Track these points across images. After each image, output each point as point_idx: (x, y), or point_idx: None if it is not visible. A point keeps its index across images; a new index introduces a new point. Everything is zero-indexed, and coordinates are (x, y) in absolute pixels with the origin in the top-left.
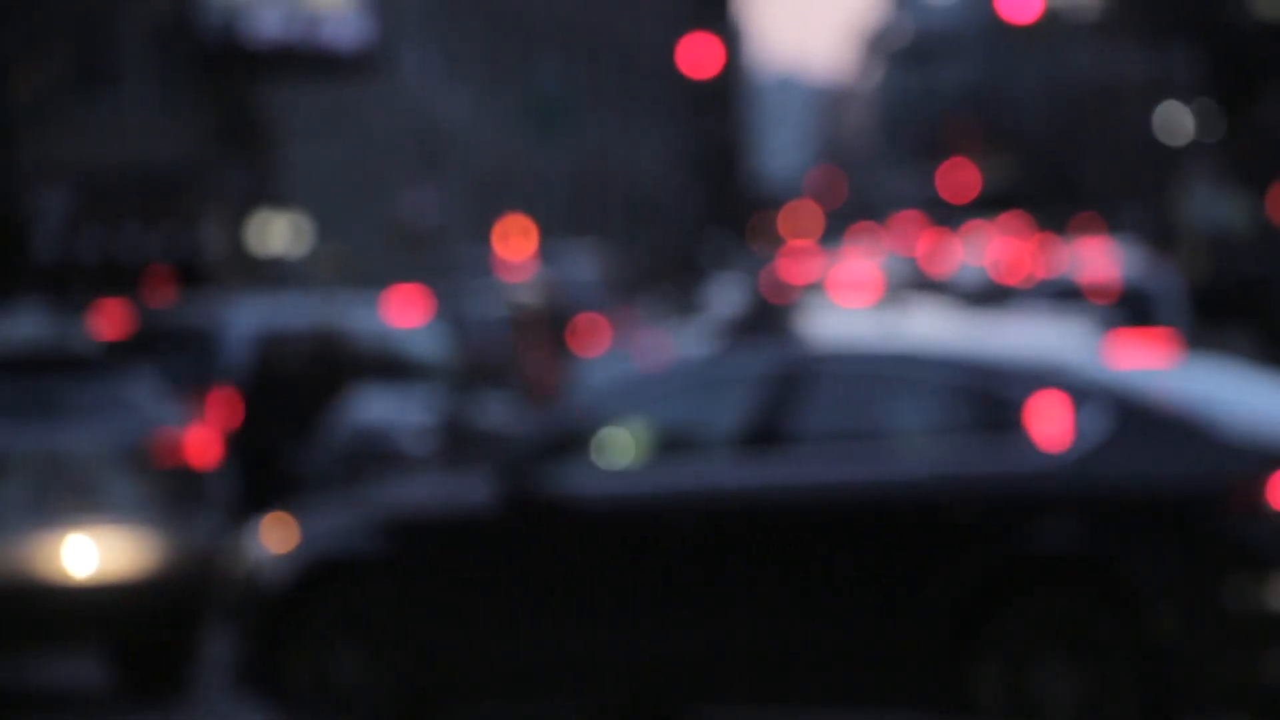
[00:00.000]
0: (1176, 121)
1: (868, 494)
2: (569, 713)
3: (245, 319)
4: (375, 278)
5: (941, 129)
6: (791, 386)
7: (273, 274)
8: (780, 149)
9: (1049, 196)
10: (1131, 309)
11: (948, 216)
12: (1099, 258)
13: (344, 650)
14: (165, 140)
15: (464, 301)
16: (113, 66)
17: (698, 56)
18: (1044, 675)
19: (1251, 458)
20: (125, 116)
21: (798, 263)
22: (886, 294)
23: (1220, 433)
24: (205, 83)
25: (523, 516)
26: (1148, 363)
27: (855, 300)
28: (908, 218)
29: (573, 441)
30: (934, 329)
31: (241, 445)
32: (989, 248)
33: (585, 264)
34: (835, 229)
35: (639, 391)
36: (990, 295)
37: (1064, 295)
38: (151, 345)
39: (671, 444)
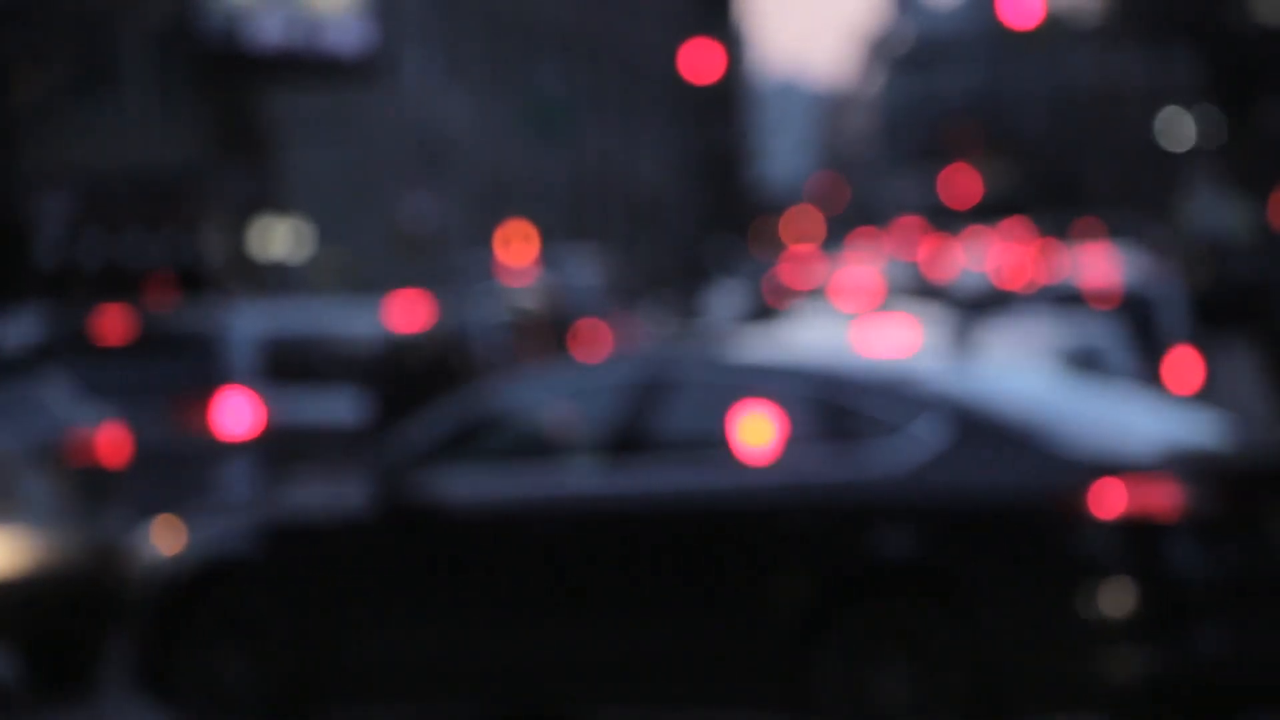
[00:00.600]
0: (1178, 127)
1: (718, 501)
2: (447, 714)
3: (247, 324)
4: (376, 283)
5: (943, 134)
6: (653, 395)
7: (274, 279)
8: (782, 154)
9: (1050, 202)
10: (1132, 314)
11: (949, 222)
12: (1100, 263)
13: (228, 652)
14: (166, 145)
15: (465, 307)
16: (114, 71)
17: (699, 61)
18: (883, 679)
19: (1077, 468)
20: (127, 121)
21: (799, 268)
22: (887, 299)
23: (1051, 443)
24: (207, 88)
25: (398, 521)
26: (994, 372)
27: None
28: (909, 223)
29: (449, 446)
30: (805, 340)
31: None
32: (990, 253)
33: (586, 269)
34: (837, 234)
35: (513, 398)
36: (991, 301)
37: (1065, 301)
38: (153, 350)
39: (542, 450)
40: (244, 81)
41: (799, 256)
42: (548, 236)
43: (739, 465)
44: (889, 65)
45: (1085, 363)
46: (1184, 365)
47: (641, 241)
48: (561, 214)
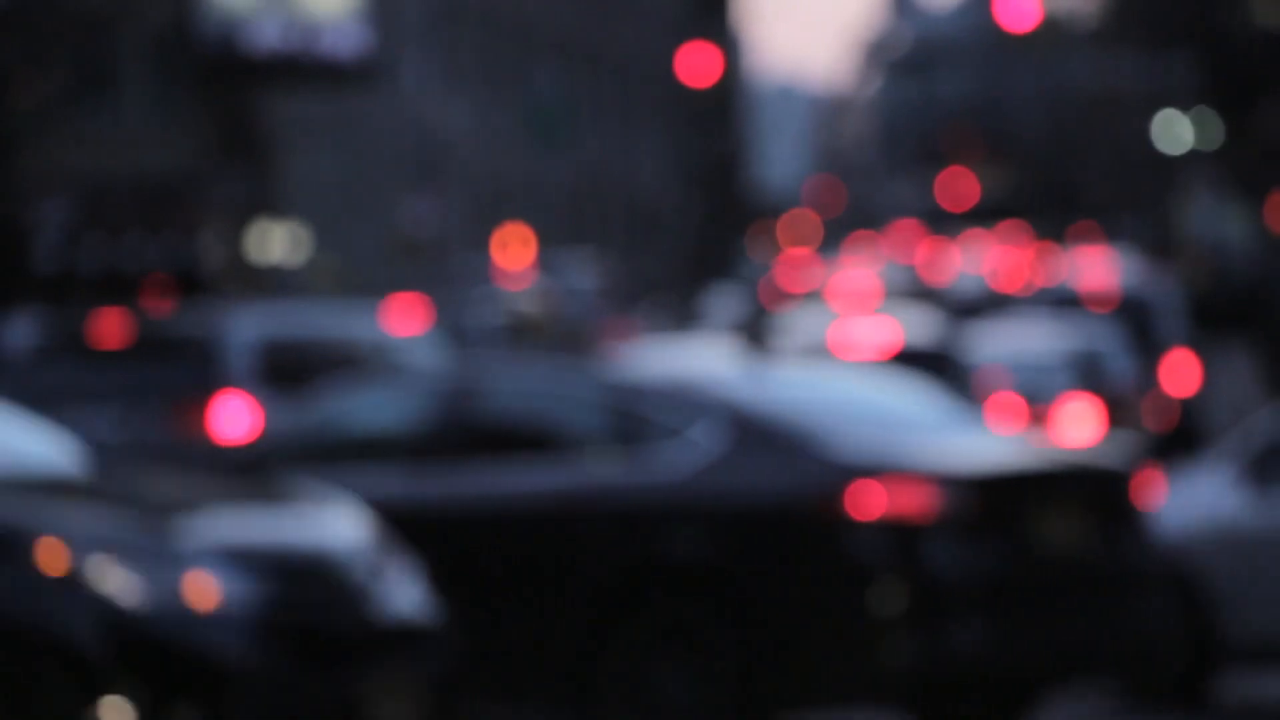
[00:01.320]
0: (1175, 130)
1: (512, 504)
2: None
3: (244, 328)
4: (374, 287)
5: (940, 138)
6: (460, 403)
7: (272, 283)
8: (779, 158)
9: (1048, 205)
10: (1130, 318)
11: (946, 225)
12: (1098, 267)
13: None
14: (165, 150)
15: (463, 311)
16: (112, 76)
17: (697, 65)
18: (666, 676)
19: (840, 471)
20: (125, 126)
21: (796, 271)
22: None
23: (819, 447)
24: (205, 92)
25: None
26: (776, 378)
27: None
28: (906, 226)
29: (291, 450)
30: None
31: None
32: (987, 256)
33: (584, 273)
34: (834, 238)
35: (340, 405)
36: (988, 304)
37: (1062, 304)
38: (150, 354)
39: (360, 454)
40: (242, 86)
41: (796, 260)
42: (545, 241)
43: (530, 469)
44: (886, 69)
45: (1084, 365)
46: (1181, 368)
47: (639, 245)
48: (559, 218)
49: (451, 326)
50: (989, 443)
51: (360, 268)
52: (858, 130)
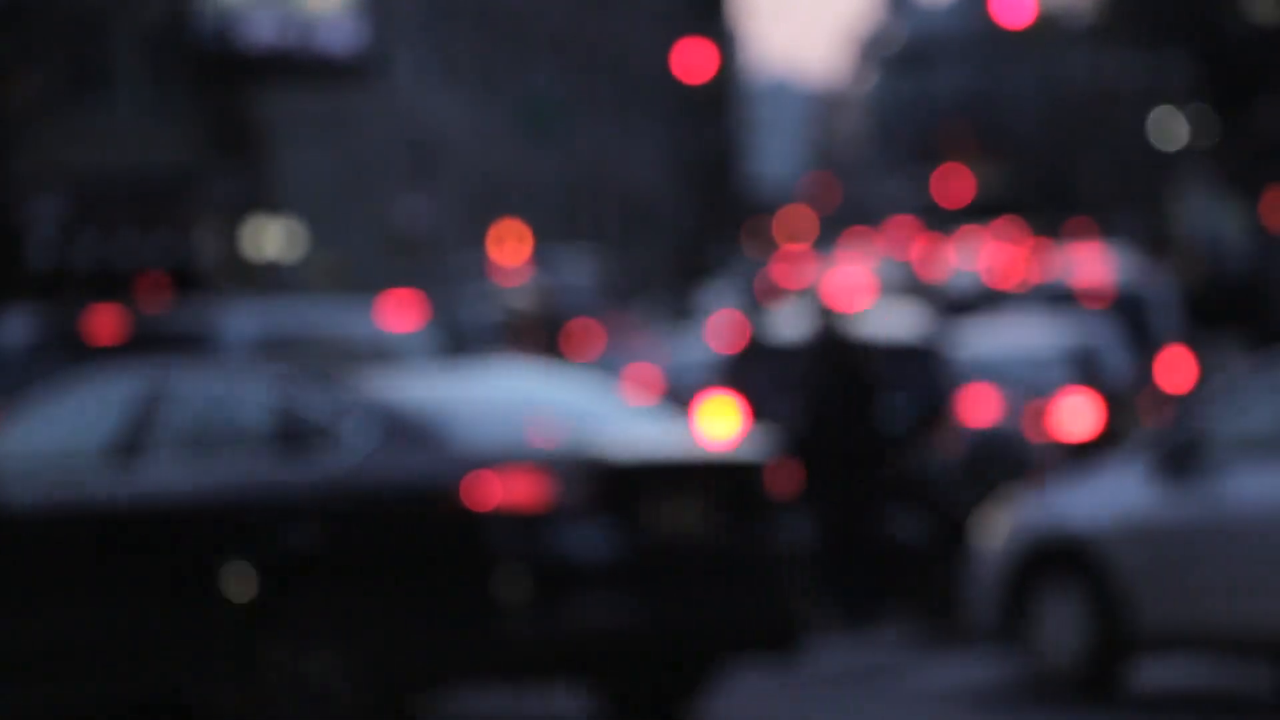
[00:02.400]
0: (1171, 127)
1: (182, 500)
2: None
3: (239, 324)
4: (369, 283)
5: (936, 134)
6: (148, 405)
7: (267, 280)
8: (774, 154)
9: (1043, 201)
10: (1125, 314)
11: (942, 221)
12: (1093, 263)
13: None
14: (160, 146)
15: (458, 307)
16: (107, 73)
17: (692, 61)
18: (316, 660)
19: (464, 463)
20: (120, 123)
21: (791, 267)
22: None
23: (452, 441)
24: (199, 89)
25: None
26: (441, 377)
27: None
28: (902, 223)
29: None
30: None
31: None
32: (983, 253)
33: (580, 269)
34: (829, 234)
35: (34, 410)
36: (984, 300)
37: (1058, 300)
38: (146, 350)
39: (61, 455)
40: (237, 82)
41: (791, 256)
42: (541, 236)
43: (198, 466)
44: (881, 65)
45: (1080, 361)
46: (1177, 364)
47: (634, 241)
48: (554, 214)
49: (447, 323)
50: (636, 435)
51: (356, 264)
52: (853, 126)
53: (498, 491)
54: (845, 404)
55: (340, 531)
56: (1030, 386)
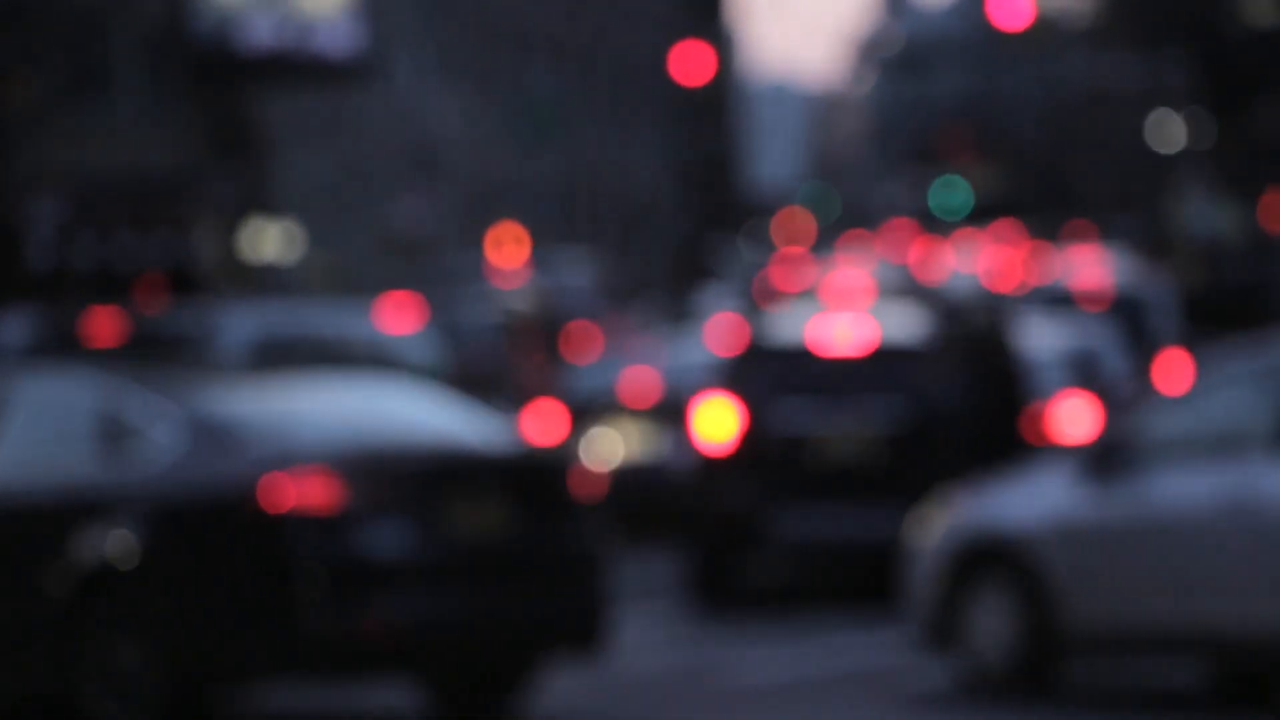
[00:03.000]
0: (1167, 129)
1: (12, 499)
2: None
3: (238, 326)
4: (368, 285)
5: (934, 136)
6: None
7: (265, 282)
8: (772, 156)
9: (1041, 204)
10: (1124, 316)
11: (940, 224)
12: (1091, 265)
13: None
14: (158, 148)
15: (457, 309)
16: (105, 74)
17: (690, 64)
18: (128, 655)
19: (266, 467)
20: (118, 124)
21: (790, 270)
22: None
23: (253, 447)
24: (198, 90)
25: None
26: (243, 386)
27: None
28: (900, 225)
29: None
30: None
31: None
32: (981, 255)
33: (578, 271)
34: (828, 236)
35: None
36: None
37: (1056, 303)
38: (144, 351)
39: None
40: (235, 84)
41: (790, 258)
42: (539, 238)
43: (37, 468)
44: (879, 67)
45: (1078, 363)
46: (1175, 366)
47: (633, 243)
48: (553, 216)
49: (445, 324)
50: (442, 438)
51: (354, 266)
52: (851, 129)
53: (293, 494)
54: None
55: (150, 532)
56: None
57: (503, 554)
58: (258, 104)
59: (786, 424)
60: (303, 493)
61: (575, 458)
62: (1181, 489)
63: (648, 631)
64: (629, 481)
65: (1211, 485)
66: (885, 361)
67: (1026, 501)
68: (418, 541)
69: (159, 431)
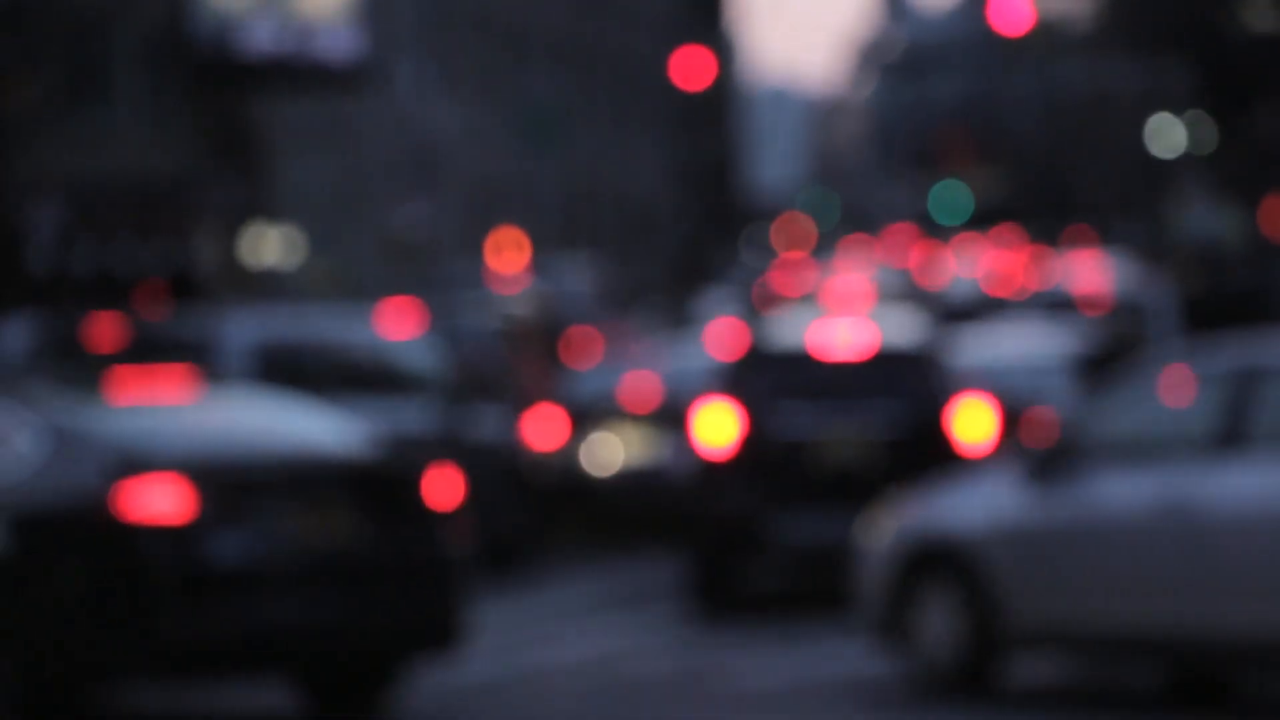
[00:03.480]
0: (1169, 134)
1: None
2: None
3: (240, 332)
4: (368, 291)
5: (934, 141)
6: None
7: (266, 287)
8: (773, 161)
9: (1042, 208)
10: (1124, 321)
11: (940, 229)
12: (1091, 270)
13: None
14: (158, 153)
15: (457, 314)
16: (105, 80)
17: (690, 69)
18: None
19: (111, 475)
20: (118, 130)
21: (790, 275)
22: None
23: (108, 454)
24: (198, 96)
25: None
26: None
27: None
28: (900, 230)
29: None
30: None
31: None
32: (981, 260)
33: (578, 276)
34: (828, 241)
35: None
36: (982, 307)
37: (1056, 307)
38: (145, 357)
39: None
40: (235, 89)
41: (790, 263)
42: (539, 244)
43: None
44: (880, 72)
45: (1078, 368)
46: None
47: (633, 249)
48: (553, 221)
49: (446, 330)
50: (295, 447)
51: (354, 271)
52: (851, 133)
53: (145, 502)
54: None
55: (10, 539)
56: (1029, 394)
57: (352, 560)
58: (258, 109)
59: (786, 428)
60: (154, 500)
61: (427, 465)
62: (1121, 492)
63: (647, 636)
64: (629, 486)
65: (1150, 488)
66: (885, 366)
67: (972, 505)
68: (265, 548)
69: (19, 441)
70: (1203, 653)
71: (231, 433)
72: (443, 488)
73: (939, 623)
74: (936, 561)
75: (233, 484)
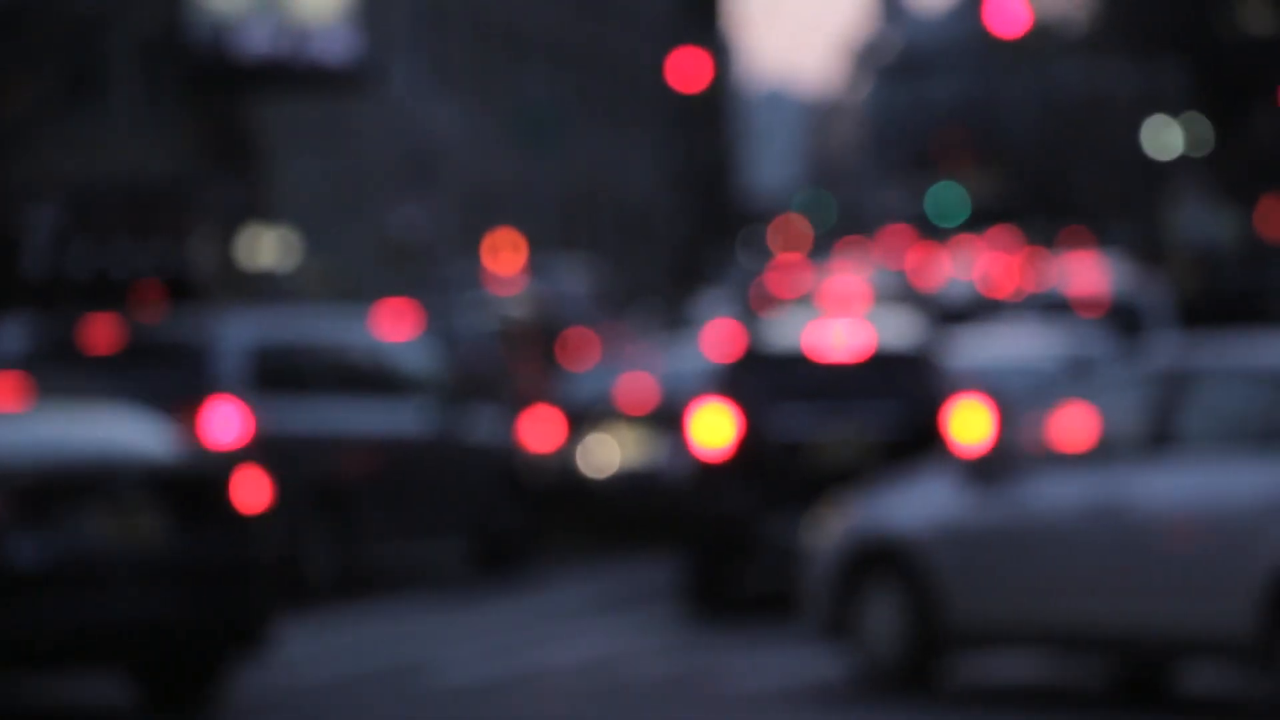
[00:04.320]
0: (1165, 136)
1: None
2: None
3: (236, 333)
4: (365, 292)
5: (930, 143)
6: None
7: (263, 288)
8: (769, 163)
9: (1038, 210)
10: (1120, 322)
11: (936, 230)
12: (1088, 272)
13: None
14: (154, 155)
15: (454, 316)
16: (102, 82)
17: (687, 71)
18: None
19: None
20: (114, 131)
21: (787, 276)
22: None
23: None
24: (194, 98)
25: None
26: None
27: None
28: (897, 231)
29: None
30: None
31: None
32: (978, 261)
33: (575, 278)
34: (824, 243)
35: None
36: (979, 309)
37: (1052, 309)
38: (141, 359)
39: None
40: (231, 91)
41: (787, 265)
42: (536, 245)
43: None
44: (876, 74)
45: (1074, 370)
46: None
47: (630, 250)
48: (550, 223)
49: (442, 331)
50: (100, 451)
51: (351, 273)
52: (848, 135)
53: None
54: None
55: None
56: (1025, 396)
57: (156, 561)
58: (254, 111)
59: (783, 430)
60: None
61: (236, 468)
62: (1056, 493)
63: (644, 637)
64: (626, 487)
65: (1084, 489)
66: (882, 367)
67: (914, 505)
68: (66, 550)
69: None
70: (1136, 649)
71: (39, 441)
72: (250, 491)
73: (883, 622)
74: (880, 561)
75: (33, 489)
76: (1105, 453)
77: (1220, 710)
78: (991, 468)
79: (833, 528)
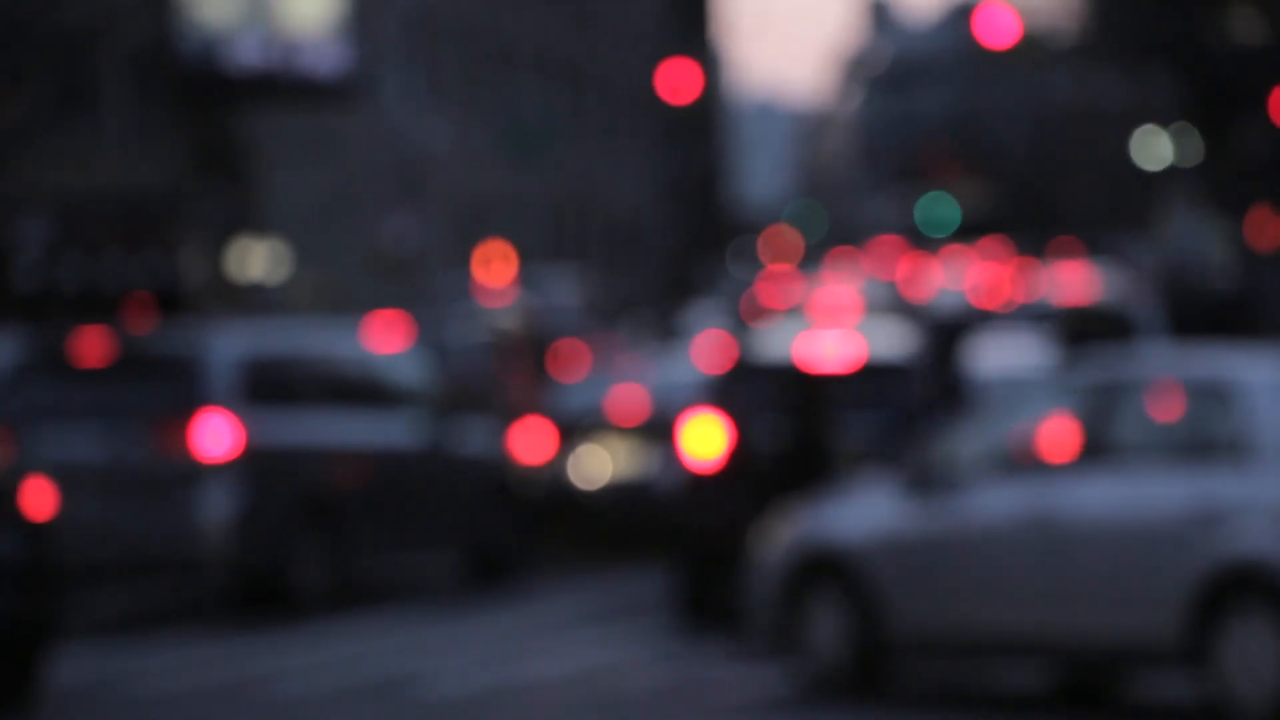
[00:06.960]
0: (1155, 147)
1: None
2: None
3: (226, 345)
4: (355, 304)
5: (921, 154)
6: None
7: (253, 301)
8: (760, 174)
9: (1028, 221)
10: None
11: (927, 241)
12: (1078, 282)
13: None
14: (145, 167)
15: (445, 327)
16: (92, 94)
17: (677, 82)
18: None
19: None
20: (105, 143)
21: (777, 287)
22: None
23: None
24: (185, 110)
25: None
26: None
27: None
28: (887, 242)
29: None
30: None
31: None
32: (968, 272)
33: (565, 289)
34: (815, 254)
35: None
36: (970, 320)
37: (1043, 319)
38: (132, 371)
39: None
40: (222, 104)
41: (777, 276)
42: (526, 257)
43: None
44: (866, 85)
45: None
46: None
47: (620, 261)
48: (540, 234)
49: (433, 343)
50: None
51: (341, 285)
52: (838, 147)
53: None
54: None
55: None
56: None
57: None
58: (245, 124)
59: (774, 441)
60: None
61: (25, 477)
62: (991, 503)
63: (635, 649)
64: (617, 499)
65: (1018, 499)
66: (872, 378)
67: (856, 516)
68: None
69: None
70: (1072, 657)
71: None
72: (38, 498)
73: (826, 629)
74: (823, 570)
75: None
76: (1039, 464)
77: (1161, 715)
78: (929, 478)
79: (778, 538)
